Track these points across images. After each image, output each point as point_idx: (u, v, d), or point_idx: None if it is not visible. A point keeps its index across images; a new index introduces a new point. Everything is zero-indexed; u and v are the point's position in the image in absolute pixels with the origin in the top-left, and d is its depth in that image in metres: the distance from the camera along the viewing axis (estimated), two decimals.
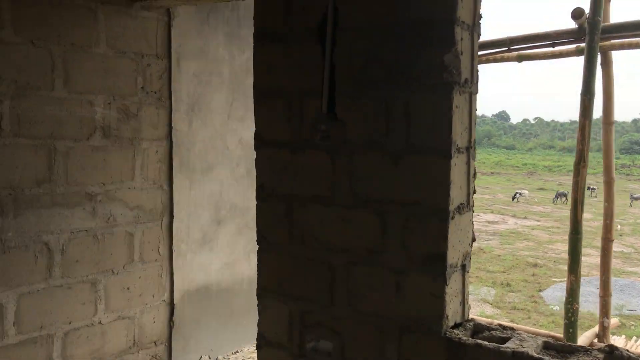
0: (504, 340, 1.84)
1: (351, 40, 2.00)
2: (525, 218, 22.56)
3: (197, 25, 4.46)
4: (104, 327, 3.96)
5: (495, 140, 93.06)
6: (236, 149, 4.88)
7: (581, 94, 4.73)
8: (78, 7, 3.65)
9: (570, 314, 4.80)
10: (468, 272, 2.02)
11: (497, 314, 9.63)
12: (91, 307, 3.88)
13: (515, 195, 29.15)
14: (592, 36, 4.58)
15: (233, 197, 4.88)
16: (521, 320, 9.15)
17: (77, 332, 3.80)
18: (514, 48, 5.25)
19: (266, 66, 2.25)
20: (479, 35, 1.99)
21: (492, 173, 49.11)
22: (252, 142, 2.32)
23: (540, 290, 11.25)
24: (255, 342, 2.38)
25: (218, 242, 4.79)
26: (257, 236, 2.32)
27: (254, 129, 2.30)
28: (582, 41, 4.77)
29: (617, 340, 5.86)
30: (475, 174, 2.02)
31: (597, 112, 5.14)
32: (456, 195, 1.87)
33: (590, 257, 13.18)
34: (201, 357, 4.70)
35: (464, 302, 2.00)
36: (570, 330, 4.79)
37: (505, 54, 5.38)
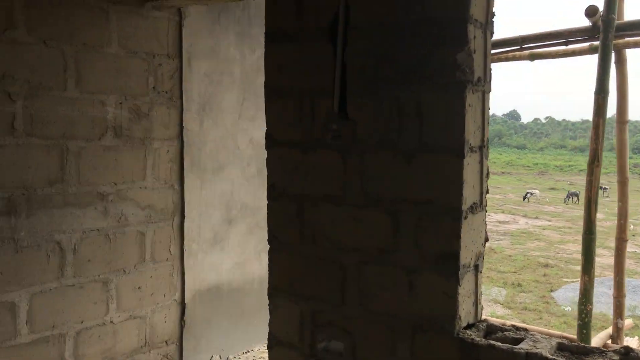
0: (517, 341, 1.82)
1: (363, 39, 2.00)
2: (536, 218, 22.42)
3: (208, 25, 4.46)
4: (115, 326, 3.98)
5: (506, 139, 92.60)
6: (247, 148, 4.88)
7: (595, 93, 4.69)
8: (90, 7, 3.67)
9: (583, 315, 4.76)
10: (481, 272, 2.00)
11: (508, 314, 9.58)
12: (103, 307, 3.89)
13: (526, 195, 28.99)
14: (606, 34, 4.54)
15: (244, 197, 4.89)
16: (532, 320, 9.09)
17: (88, 331, 3.82)
18: (526, 47, 5.21)
19: (277, 66, 2.24)
20: (491, 33, 1.98)
21: (502, 173, 48.88)
22: (263, 141, 2.31)
23: (551, 291, 11.17)
24: (266, 342, 2.38)
25: (229, 242, 4.80)
26: (268, 236, 2.32)
27: (265, 128, 2.30)
28: (596, 39, 4.73)
29: (631, 342, 5.80)
30: (488, 173, 2.01)
31: (611, 110, 5.10)
32: (469, 195, 1.86)
33: (602, 258, 13.06)
34: (212, 356, 4.70)
35: (476, 303, 1.99)
36: (584, 331, 4.75)
37: (517, 53, 5.34)
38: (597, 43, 4.71)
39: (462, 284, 1.85)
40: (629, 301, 8.43)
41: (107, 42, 3.78)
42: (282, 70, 2.23)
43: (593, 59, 4.72)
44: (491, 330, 1.94)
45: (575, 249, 15.08)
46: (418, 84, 1.87)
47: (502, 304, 10.22)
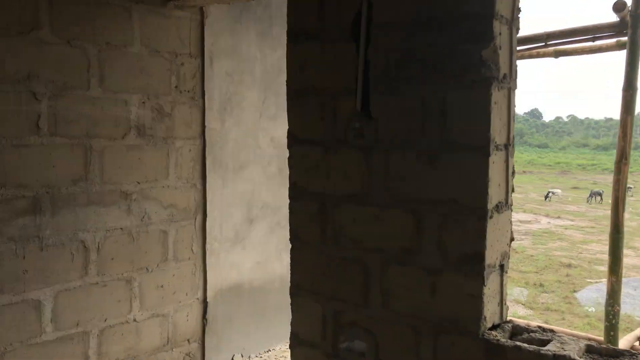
0: (544, 342, 1.79)
1: (386, 36, 1.98)
2: (558, 217, 22.17)
3: (229, 24, 4.47)
4: (138, 324, 4.00)
5: (527, 138, 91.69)
6: (268, 147, 4.88)
7: (623, 89, 4.61)
8: (113, 7, 3.69)
9: (611, 316, 4.69)
10: (506, 272, 1.98)
11: (530, 314, 9.48)
12: (126, 305, 3.92)
13: (547, 194, 28.68)
14: (635, 29, 4.46)
15: (265, 196, 4.89)
16: (555, 321, 8.99)
17: (112, 329, 3.85)
18: (551, 43, 5.14)
19: (299, 65, 2.24)
20: (517, 29, 1.95)
21: (524, 172, 48.37)
22: (284, 140, 2.31)
23: (574, 291, 11.03)
24: (288, 341, 2.38)
25: (250, 241, 4.80)
26: (290, 235, 2.31)
27: (286, 127, 2.29)
28: (624, 35, 4.65)
29: None
30: (514, 172, 1.98)
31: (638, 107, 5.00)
32: (495, 194, 1.83)
33: (627, 258, 12.85)
34: (234, 355, 4.71)
35: (502, 303, 1.96)
36: (611, 333, 4.68)
37: (541, 50, 5.26)
38: (625, 39, 4.64)
39: (487, 284, 1.82)
40: None
41: (129, 42, 3.80)
42: (304, 69, 2.22)
43: (620, 55, 4.65)
44: (517, 331, 1.91)
45: (598, 249, 14.87)
46: (442, 81, 1.85)
47: (523, 305, 10.12)
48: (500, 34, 1.79)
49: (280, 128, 4.87)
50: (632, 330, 5.84)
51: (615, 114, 4.74)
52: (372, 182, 2.04)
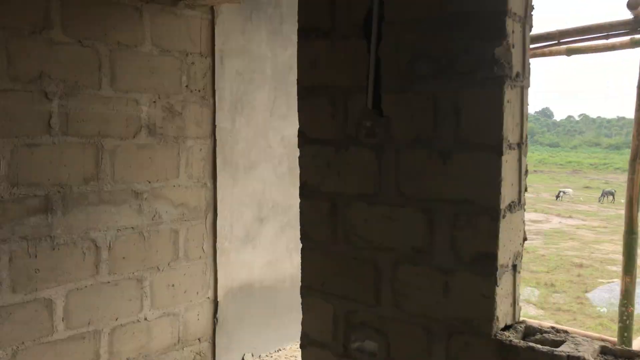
0: (557, 343, 1.77)
1: (397, 34, 1.96)
2: (570, 217, 22.04)
3: (240, 23, 4.47)
4: (149, 323, 4.02)
5: (538, 137, 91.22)
6: (278, 146, 4.88)
7: (637, 87, 4.57)
8: (124, 7, 3.70)
9: (624, 317, 4.64)
10: (519, 272, 1.96)
11: (541, 315, 9.42)
12: (137, 304, 3.93)
13: (559, 193, 28.52)
14: None
15: (275, 195, 4.89)
16: (566, 322, 8.93)
17: (123, 328, 3.86)
18: (564, 41, 5.09)
19: (310, 63, 2.22)
20: (530, 27, 1.93)
21: (535, 171, 48.14)
22: (294, 139, 2.30)
23: (586, 292, 10.96)
24: (298, 341, 2.37)
25: (260, 240, 4.80)
26: (301, 234, 2.30)
27: (296, 126, 2.28)
28: (638, 32, 4.60)
29: None
30: (527, 171, 1.96)
31: None
32: (507, 193, 1.81)
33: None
34: (244, 354, 4.71)
35: (514, 304, 1.94)
36: (625, 334, 4.63)
37: (554, 48, 5.21)
38: (639, 36, 4.59)
39: (500, 285, 1.81)
40: None
41: (140, 41, 3.81)
42: (314, 67, 2.20)
43: (635, 53, 4.60)
44: (530, 332, 1.89)
45: (611, 248, 14.76)
46: (455, 79, 1.83)
47: (535, 305, 10.06)
48: (513, 31, 1.77)
49: (290, 127, 4.87)
50: None
51: (628, 112, 4.70)
52: (384, 181, 2.03)
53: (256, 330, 4.80)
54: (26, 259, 3.37)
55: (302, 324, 2.32)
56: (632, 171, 4.64)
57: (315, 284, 2.26)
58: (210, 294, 4.42)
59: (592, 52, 5.24)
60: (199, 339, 4.36)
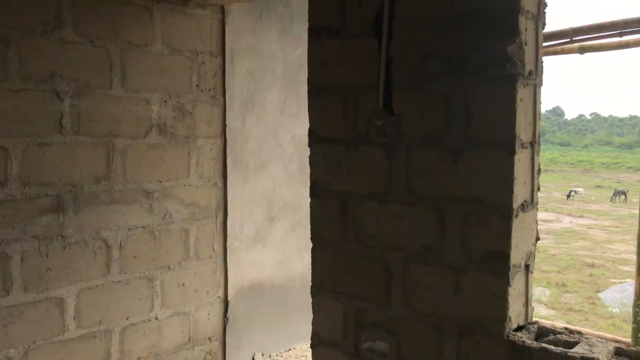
0: (571, 344, 1.75)
1: (408, 32, 1.95)
2: (581, 217, 21.90)
3: (250, 22, 4.47)
4: (160, 322, 4.03)
5: (549, 136, 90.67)
6: (289, 145, 4.87)
7: None
8: (134, 6, 3.71)
9: (639, 318, 4.60)
10: (532, 272, 1.94)
11: (553, 315, 9.37)
12: (148, 303, 3.94)
13: (570, 193, 28.35)
14: None
15: (285, 194, 4.89)
16: (578, 322, 8.87)
17: (134, 327, 3.87)
18: (577, 39, 5.03)
19: (320, 62, 2.22)
20: (543, 24, 1.91)
21: (546, 170, 47.84)
22: (305, 138, 2.29)
23: (598, 292, 10.87)
24: (309, 340, 2.36)
25: (271, 239, 4.80)
26: (311, 233, 2.30)
27: (307, 125, 2.28)
28: None
29: None
30: (539, 170, 1.94)
31: None
32: (520, 192, 1.80)
33: None
34: (254, 354, 4.72)
35: (527, 304, 1.92)
36: (639, 335, 4.59)
37: (566, 46, 5.16)
38: None
39: (513, 285, 1.79)
40: None
41: (151, 41, 3.82)
42: (325, 66, 2.20)
43: None
44: (542, 332, 1.88)
45: (623, 248, 14.64)
46: (466, 78, 1.82)
47: (546, 305, 10.01)
48: (526, 29, 1.75)
49: (301, 126, 4.86)
50: None
51: None
52: (394, 179, 2.02)
53: (266, 330, 4.80)
54: (38, 259, 3.38)
55: (313, 323, 2.32)
56: None
57: (325, 283, 2.26)
58: (221, 293, 4.42)
59: (605, 49, 5.18)
60: (209, 338, 4.37)
